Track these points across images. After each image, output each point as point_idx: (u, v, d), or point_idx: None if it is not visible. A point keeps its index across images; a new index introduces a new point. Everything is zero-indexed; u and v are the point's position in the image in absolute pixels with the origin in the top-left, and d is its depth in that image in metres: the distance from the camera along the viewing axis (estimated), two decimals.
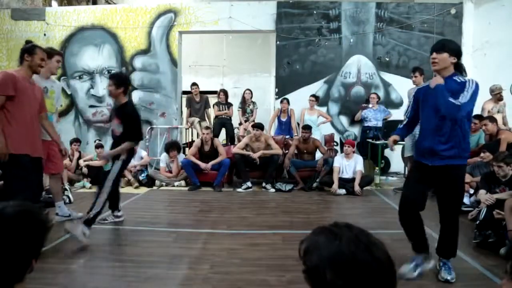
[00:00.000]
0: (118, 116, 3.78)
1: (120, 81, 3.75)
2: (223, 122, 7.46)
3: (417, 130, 5.45)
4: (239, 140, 6.67)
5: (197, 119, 7.48)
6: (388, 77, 7.62)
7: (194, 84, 7.54)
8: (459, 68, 2.66)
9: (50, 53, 3.87)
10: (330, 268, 0.80)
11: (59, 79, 7.87)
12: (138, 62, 7.82)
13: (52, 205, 4.23)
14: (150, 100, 7.83)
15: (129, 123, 3.72)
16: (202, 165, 6.08)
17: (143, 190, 6.06)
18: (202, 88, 7.67)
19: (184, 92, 8.37)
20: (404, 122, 3.07)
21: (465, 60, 7.43)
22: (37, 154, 3.43)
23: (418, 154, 2.87)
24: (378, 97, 7.30)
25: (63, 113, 7.90)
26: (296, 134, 7.06)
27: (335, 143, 7.44)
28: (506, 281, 0.99)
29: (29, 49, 3.33)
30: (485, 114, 5.40)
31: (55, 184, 4.20)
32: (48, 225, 1.16)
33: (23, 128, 3.28)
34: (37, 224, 1.10)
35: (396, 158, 7.27)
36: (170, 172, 6.47)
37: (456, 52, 2.62)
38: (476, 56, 7.44)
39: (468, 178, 4.66)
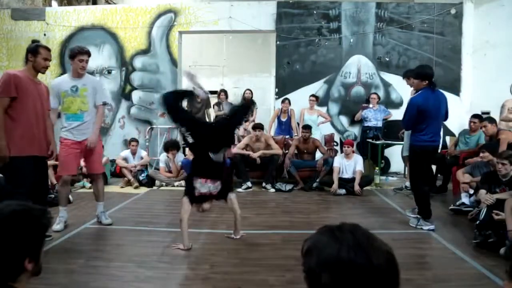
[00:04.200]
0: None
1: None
2: None
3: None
4: (239, 140, 6.66)
5: None
6: (388, 77, 7.61)
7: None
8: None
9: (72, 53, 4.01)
10: (326, 272, 0.80)
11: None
12: (138, 62, 7.82)
13: (53, 205, 4.23)
14: (150, 100, 7.83)
15: None
16: None
17: (143, 190, 6.06)
18: None
19: None
20: None
21: (465, 60, 7.50)
22: (43, 153, 3.46)
23: None
24: (378, 97, 7.29)
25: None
26: (296, 134, 7.06)
27: (335, 143, 7.43)
28: (507, 282, 0.99)
29: (32, 49, 3.34)
30: (505, 112, 5.26)
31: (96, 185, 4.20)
32: (44, 225, 1.15)
33: (27, 129, 3.29)
34: (28, 224, 1.09)
35: (396, 158, 7.27)
36: (170, 172, 6.47)
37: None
38: (476, 56, 7.44)
39: (468, 178, 4.66)
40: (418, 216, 4.03)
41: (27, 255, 1.08)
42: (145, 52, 7.78)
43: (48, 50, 3.47)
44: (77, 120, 3.88)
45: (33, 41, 3.49)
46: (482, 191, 3.72)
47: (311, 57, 7.65)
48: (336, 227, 0.87)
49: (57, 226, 3.80)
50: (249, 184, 6.05)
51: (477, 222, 3.44)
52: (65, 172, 3.94)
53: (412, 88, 5.87)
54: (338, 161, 5.90)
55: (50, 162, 5.85)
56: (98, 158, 4.21)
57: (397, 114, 7.05)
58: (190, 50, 9.47)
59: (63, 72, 7.85)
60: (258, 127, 6.25)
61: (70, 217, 4.09)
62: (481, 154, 4.58)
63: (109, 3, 11.19)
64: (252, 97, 7.54)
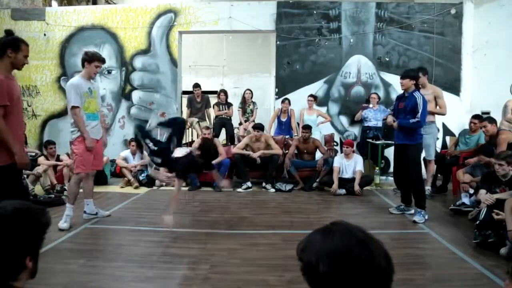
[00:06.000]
0: None
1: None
2: (223, 122, 7.46)
3: None
4: (239, 140, 6.66)
5: (196, 119, 7.48)
6: (388, 77, 7.60)
7: (196, 86, 7.52)
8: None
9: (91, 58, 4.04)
10: (324, 260, 0.81)
11: (58, 79, 7.89)
12: (138, 62, 7.81)
13: (53, 205, 4.23)
14: (150, 100, 7.83)
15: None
16: None
17: (143, 190, 6.06)
18: (202, 88, 7.67)
19: (184, 92, 8.37)
20: None
21: (465, 60, 7.49)
22: None
23: None
24: (379, 97, 7.29)
25: (63, 113, 7.89)
26: (296, 134, 7.06)
27: (335, 143, 7.43)
28: (508, 282, 0.99)
29: (13, 44, 2.94)
30: (509, 112, 5.30)
31: (87, 182, 4.26)
32: (45, 224, 1.16)
33: (17, 133, 2.96)
34: (31, 222, 1.10)
35: None
36: (170, 172, 6.46)
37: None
38: (476, 56, 7.44)
39: (468, 178, 4.66)
40: (419, 209, 4.28)
41: (28, 253, 1.08)
42: (145, 52, 7.78)
43: (28, 45, 3.06)
44: (95, 120, 4.15)
45: (8, 33, 3.01)
46: (482, 191, 3.72)
47: (311, 57, 7.65)
48: (327, 225, 0.89)
49: (64, 224, 3.83)
50: (249, 184, 6.05)
51: (477, 222, 3.44)
52: (89, 168, 4.11)
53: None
54: (338, 161, 5.90)
55: (50, 162, 5.88)
56: (102, 156, 4.52)
57: None
58: (190, 50, 9.48)
59: (63, 72, 7.86)
60: (258, 127, 6.25)
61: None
62: (476, 158, 4.59)
63: (109, 3, 11.19)
64: (252, 97, 7.55)
